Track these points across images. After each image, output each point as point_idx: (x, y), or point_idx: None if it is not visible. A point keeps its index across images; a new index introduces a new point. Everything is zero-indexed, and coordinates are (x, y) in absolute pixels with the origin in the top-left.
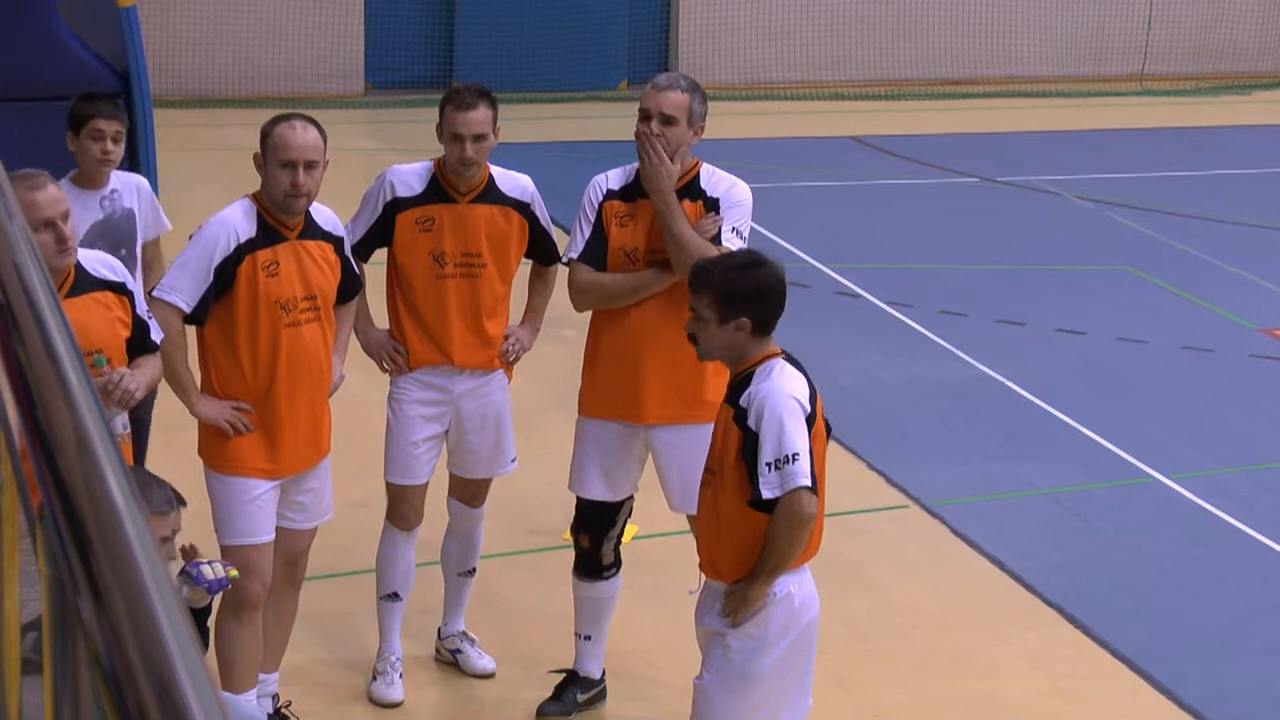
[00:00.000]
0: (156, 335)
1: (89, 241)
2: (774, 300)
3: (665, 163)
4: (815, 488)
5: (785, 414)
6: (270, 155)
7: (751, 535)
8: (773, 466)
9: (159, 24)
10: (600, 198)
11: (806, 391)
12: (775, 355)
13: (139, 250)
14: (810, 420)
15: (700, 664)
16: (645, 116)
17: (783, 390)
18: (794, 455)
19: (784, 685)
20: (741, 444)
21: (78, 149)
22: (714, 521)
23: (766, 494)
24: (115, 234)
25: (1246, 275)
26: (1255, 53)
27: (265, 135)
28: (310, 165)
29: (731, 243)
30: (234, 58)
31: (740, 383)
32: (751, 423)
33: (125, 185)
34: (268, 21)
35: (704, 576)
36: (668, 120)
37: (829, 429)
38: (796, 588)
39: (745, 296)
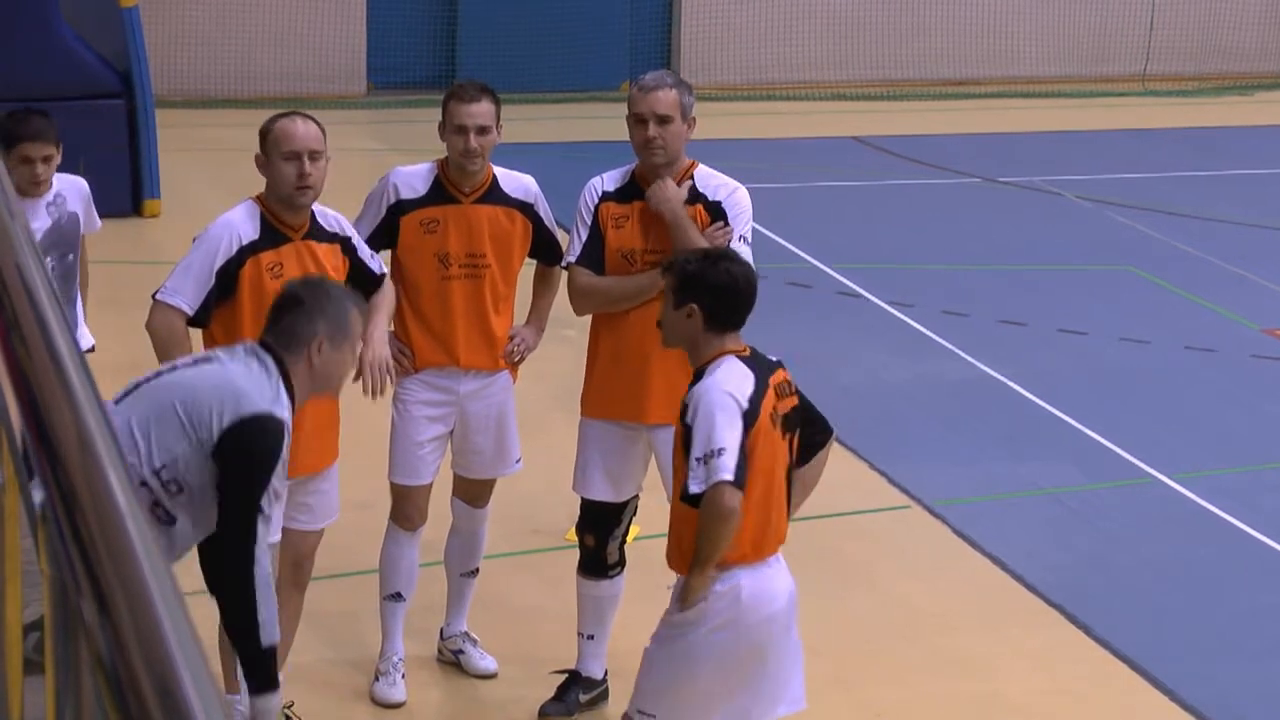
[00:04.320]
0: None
1: (40, 250)
2: (731, 296)
3: (670, 186)
4: (740, 483)
5: (716, 409)
6: (273, 150)
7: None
8: (701, 461)
9: (161, 24)
10: (596, 200)
11: (749, 388)
12: (731, 352)
13: (80, 253)
14: (750, 416)
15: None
16: (640, 120)
17: (719, 386)
18: (719, 450)
19: (726, 682)
20: (683, 438)
21: (9, 167)
22: (672, 514)
23: (693, 488)
24: (64, 240)
25: (1249, 276)
26: (1257, 53)
27: (265, 133)
28: (315, 155)
29: (740, 250)
30: (236, 58)
31: (696, 378)
32: (689, 418)
33: (69, 189)
34: (270, 22)
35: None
36: (663, 120)
37: (829, 430)
38: (749, 581)
39: (701, 285)
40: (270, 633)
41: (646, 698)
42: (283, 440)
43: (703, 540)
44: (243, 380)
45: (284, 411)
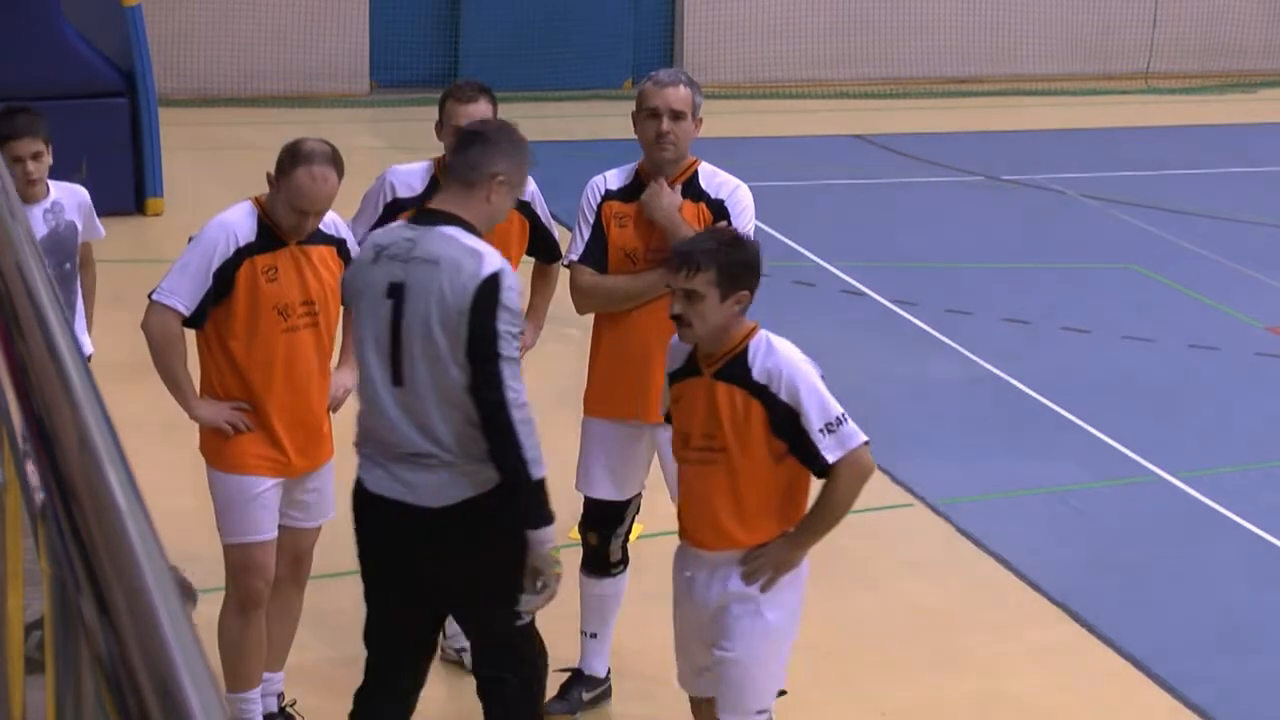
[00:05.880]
0: None
1: None
2: (760, 274)
3: (666, 192)
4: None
5: (815, 381)
6: (285, 191)
7: (770, 502)
8: (826, 431)
9: (164, 23)
10: (599, 199)
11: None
12: (758, 328)
13: (78, 261)
14: None
15: (718, 637)
16: (653, 114)
17: (800, 361)
18: (843, 416)
19: (795, 628)
20: (769, 419)
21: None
22: (729, 492)
23: (831, 458)
24: (60, 248)
25: (1253, 274)
26: (1261, 51)
27: (283, 164)
28: (322, 212)
29: None
30: (239, 56)
31: (736, 359)
32: (784, 396)
33: (66, 197)
34: (273, 20)
35: (700, 552)
36: (677, 115)
37: None
38: None
39: (748, 269)
40: (537, 468)
41: (758, 696)
42: (496, 290)
43: (836, 506)
44: (446, 280)
45: (485, 262)
